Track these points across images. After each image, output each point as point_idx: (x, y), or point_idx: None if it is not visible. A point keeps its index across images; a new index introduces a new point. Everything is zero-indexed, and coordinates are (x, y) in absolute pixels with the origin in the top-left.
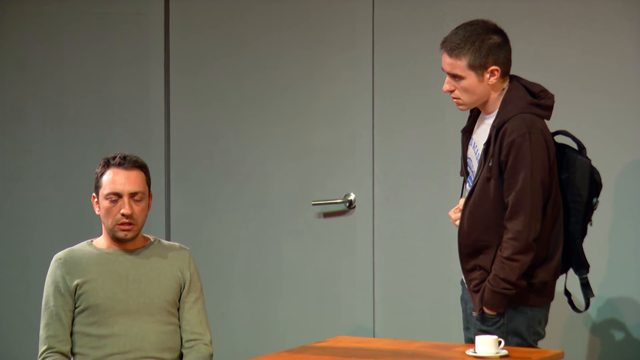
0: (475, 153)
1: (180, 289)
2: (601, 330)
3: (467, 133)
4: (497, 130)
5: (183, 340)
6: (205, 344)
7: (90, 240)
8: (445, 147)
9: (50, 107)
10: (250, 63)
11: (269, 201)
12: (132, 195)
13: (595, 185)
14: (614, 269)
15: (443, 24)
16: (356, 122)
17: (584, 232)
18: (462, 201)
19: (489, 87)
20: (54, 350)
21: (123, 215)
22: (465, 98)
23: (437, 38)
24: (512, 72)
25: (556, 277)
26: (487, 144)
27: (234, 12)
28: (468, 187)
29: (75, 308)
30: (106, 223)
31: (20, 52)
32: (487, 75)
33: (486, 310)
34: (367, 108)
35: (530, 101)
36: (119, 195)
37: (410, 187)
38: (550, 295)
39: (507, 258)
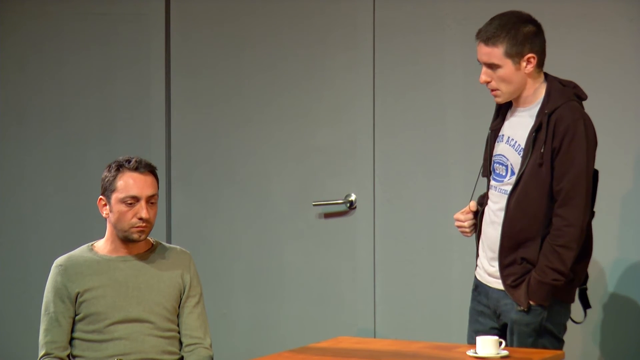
0: (513, 146)
1: (180, 294)
2: (602, 330)
3: (496, 131)
4: (548, 115)
5: (183, 345)
6: (205, 348)
7: (90, 244)
8: (446, 147)
9: (51, 107)
10: (251, 64)
11: (270, 202)
12: (148, 199)
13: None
14: (614, 269)
15: (444, 25)
16: (357, 122)
17: None
18: (472, 203)
19: (525, 76)
20: (53, 356)
21: (141, 219)
22: (503, 88)
23: (437, 39)
24: None
25: (586, 276)
26: (537, 130)
27: (234, 13)
28: (494, 185)
29: (76, 315)
30: (120, 226)
31: (21, 53)
32: (524, 64)
33: (531, 303)
34: (368, 109)
35: (573, 92)
36: (136, 199)
37: (411, 188)
38: (575, 293)
39: (562, 246)
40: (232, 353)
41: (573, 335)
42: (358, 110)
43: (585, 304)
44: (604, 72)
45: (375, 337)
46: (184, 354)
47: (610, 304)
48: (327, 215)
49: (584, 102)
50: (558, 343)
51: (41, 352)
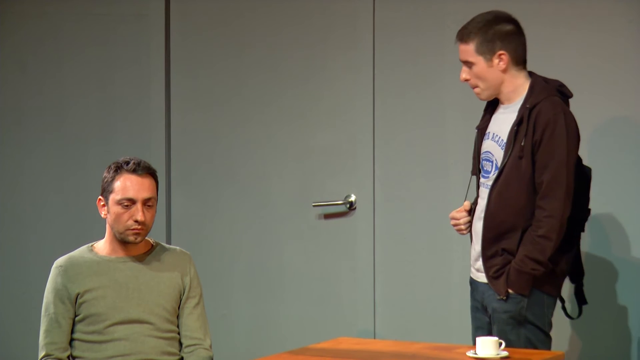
0: (497, 142)
1: (180, 295)
2: (603, 330)
3: (482, 130)
4: (529, 110)
5: (183, 346)
6: (205, 348)
7: (90, 244)
8: (446, 148)
9: (51, 108)
10: (251, 64)
11: (270, 202)
12: (145, 201)
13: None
14: (616, 268)
15: (444, 25)
16: (357, 123)
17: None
18: (466, 203)
19: (500, 73)
20: (53, 357)
21: (136, 221)
22: (481, 85)
23: (437, 39)
24: None
25: (569, 271)
26: (519, 124)
27: (234, 13)
28: (482, 182)
29: (76, 316)
30: (116, 227)
31: (21, 53)
32: (496, 61)
33: (510, 292)
34: (367, 109)
35: (557, 88)
36: (132, 202)
37: (410, 188)
38: (561, 287)
39: (542, 236)
40: (232, 354)
41: (574, 335)
42: (358, 110)
43: (581, 300)
44: (604, 72)
45: (375, 337)
46: (184, 355)
47: (610, 303)
48: (327, 216)
49: (571, 101)
50: (544, 336)
51: (41, 353)
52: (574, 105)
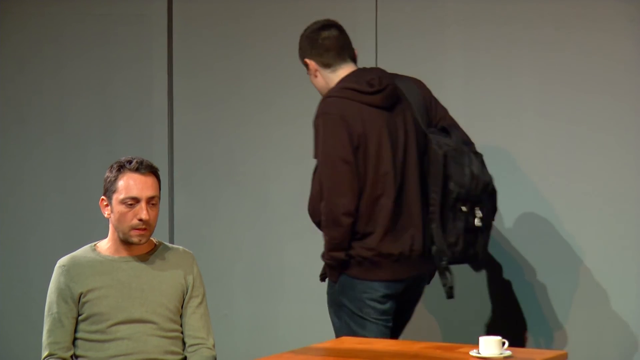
0: None
1: (183, 295)
2: (601, 330)
3: None
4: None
5: (186, 345)
6: (208, 348)
7: (93, 244)
8: None
9: (52, 108)
10: (253, 64)
11: (272, 202)
12: (148, 200)
13: (458, 177)
14: (616, 269)
15: (445, 27)
16: None
17: (444, 221)
18: None
19: (315, 78)
20: (56, 356)
21: (141, 220)
22: (320, 94)
23: (439, 40)
24: (514, 74)
25: (380, 255)
26: None
27: (236, 13)
28: None
29: (79, 315)
30: (119, 227)
31: (21, 54)
32: (311, 69)
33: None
34: None
35: (345, 86)
36: (136, 200)
37: None
38: (382, 272)
39: (323, 234)
40: (234, 354)
41: (576, 335)
42: None
43: (445, 281)
44: (604, 72)
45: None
46: (187, 354)
47: (611, 304)
48: None
49: (570, 101)
50: (361, 320)
51: (44, 353)
52: (574, 106)
